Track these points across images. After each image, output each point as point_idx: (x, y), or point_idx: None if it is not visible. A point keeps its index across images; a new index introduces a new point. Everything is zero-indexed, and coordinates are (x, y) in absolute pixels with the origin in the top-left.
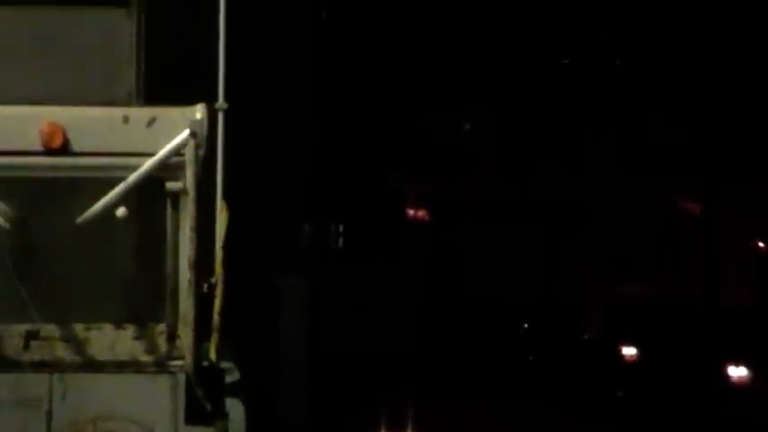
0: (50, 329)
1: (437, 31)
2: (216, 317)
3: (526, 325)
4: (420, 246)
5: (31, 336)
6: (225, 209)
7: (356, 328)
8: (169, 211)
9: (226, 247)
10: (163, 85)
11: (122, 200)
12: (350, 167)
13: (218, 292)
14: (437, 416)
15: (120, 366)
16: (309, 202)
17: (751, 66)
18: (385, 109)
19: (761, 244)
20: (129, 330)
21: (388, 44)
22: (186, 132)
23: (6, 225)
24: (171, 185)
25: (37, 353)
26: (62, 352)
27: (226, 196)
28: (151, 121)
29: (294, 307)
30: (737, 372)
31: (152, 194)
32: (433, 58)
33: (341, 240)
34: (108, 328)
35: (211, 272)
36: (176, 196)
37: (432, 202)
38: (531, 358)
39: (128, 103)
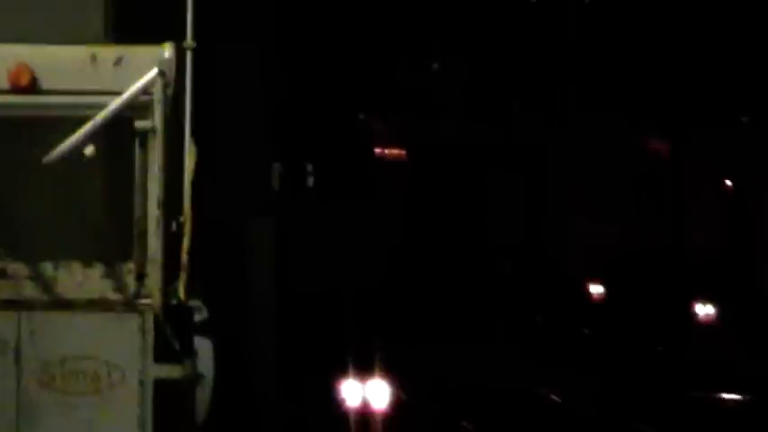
0: (18, 267)
1: None
2: (184, 256)
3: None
4: (391, 186)
5: None
6: (193, 148)
7: (325, 268)
8: (137, 149)
9: (194, 187)
10: (131, 24)
11: (90, 139)
12: (320, 108)
13: (187, 231)
14: (406, 359)
15: (89, 305)
16: (279, 143)
17: (727, 12)
18: (356, 50)
19: (728, 183)
20: (98, 269)
21: None
22: (155, 71)
23: None
24: (139, 124)
25: (4, 292)
26: (30, 290)
27: (194, 136)
28: (119, 60)
29: (262, 246)
30: (705, 310)
31: (120, 133)
32: (403, 2)
33: (311, 180)
34: (76, 266)
35: (180, 211)
36: (144, 135)
37: (403, 143)
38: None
39: (96, 42)
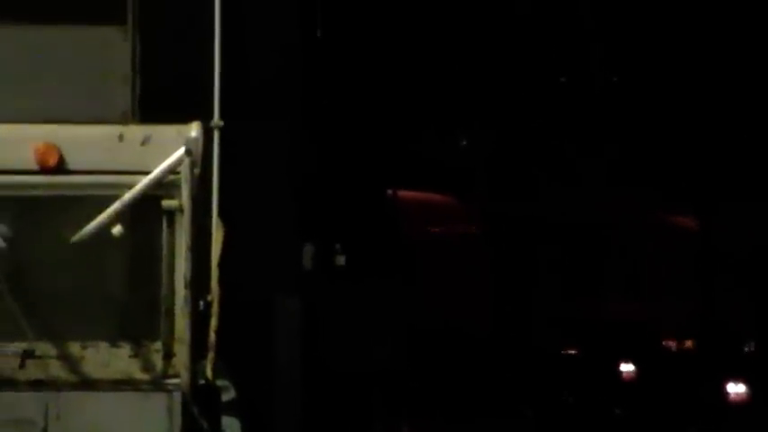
0: (46, 348)
1: (433, 47)
2: (212, 335)
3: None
4: (416, 263)
5: (26, 355)
6: (220, 227)
7: (354, 347)
8: (165, 228)
9: (221, 266)
10: (158, 103)
11: (118, 218)
12: (347, 185)
13: (214, 310)
14: None
15: (116, 385)
16: (309, 222)
17: (752, 84)
18: (381, 127)
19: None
20: (125, 348)
21: (384, 61)
22: (182, 150)
23: (2, 244)
24: (167, 203)
25: (32, 372)
26: (57, 371)
27: (221, 214)
28: (146, 139)
29: (289, 326)
30: (736, 389)
31: (148, 212)
32: (429, 76)
33: (341, 259)
34: (103, 346)
35: (207, 290)
36: (172, 214)
37: (433, 219)
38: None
39: (123, 122)
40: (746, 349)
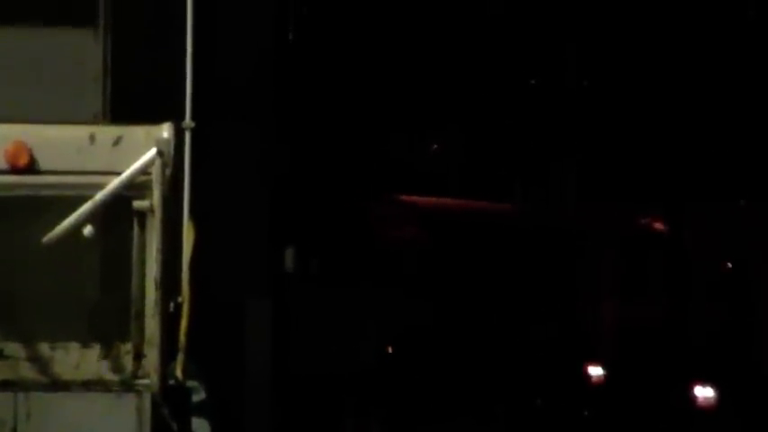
0: (15, 348)
1: (405, 51)
2: (182, 336)
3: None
4: (393, 268)
5: None
6: (192, 228)
7: (325, 350)
8: (135, 229)
9: (192, 267)
10: (129, 104)
11: (89, 219)
12: (320, 190)
13: (185, 311)
14: None
15: (86, 386)
16: (287, 225)
17: (721, 83)
18: (353, 131)
19: (729, 265)
20: (95, 350)
21: (356, 65)
22: (153, 151)
23: None
24: (137, 204)
25: (2, 372)
26: (27, 371)
27: (193, 216)
28: (117, 140)
29: (260, 328)
30: (704, 393)
31: (119, 213)
32: (401, 79)
33: (314, 264)
34: (73, 347)
35: (178, 291)
36: (143, 215)
37: (404, 224)
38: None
39: (94, 122)
40: (715, 353)
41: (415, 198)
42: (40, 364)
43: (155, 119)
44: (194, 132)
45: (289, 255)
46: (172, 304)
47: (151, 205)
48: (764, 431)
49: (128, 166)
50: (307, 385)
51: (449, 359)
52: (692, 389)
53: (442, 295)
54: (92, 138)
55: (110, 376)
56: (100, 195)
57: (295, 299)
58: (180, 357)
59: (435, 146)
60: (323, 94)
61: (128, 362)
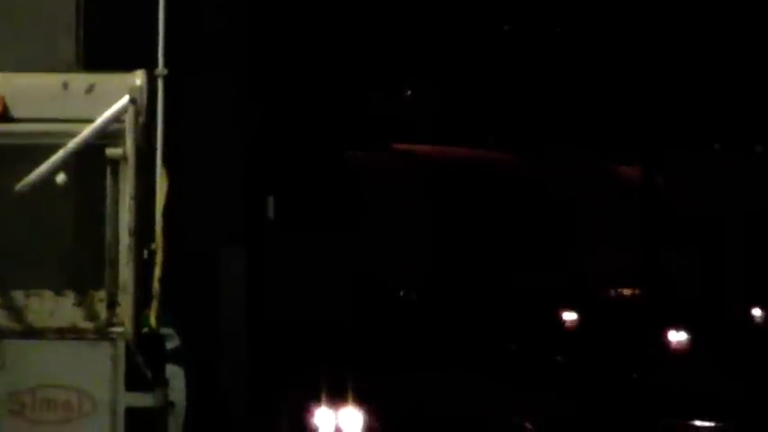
0: None
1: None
2: (156, 284)
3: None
4: (364, 214)
5: None
6: (165, 176)
7: (301, 297)
8: (109, 178)
9: (166, 215)
10: (102, 52)
11: (62, 167)
12: (294, 138)
13: (158, 259)
14: (379, 386)
15: (60, 333)
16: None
17: (698, 31)
18: (328, 79)
19: (702, 212)
20: (69, 297)
21: (328, 13)
22: (126, 99)
23: None
24: (111, 152)
25: None
26: (1, 319)
27: (166, 164)
28: (90, 88)
29: (234, 275)
30: (677, 336)
31: (92, 161)
32: (375, 27)
33: (283, 210)
34: (48, 295)
35: (151, 239)
36: (116, 163)
37: (375, 172)
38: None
39: (67, 70)
40: (688, 297)
41: (411, 146)
42: (14, 311)
43: (128, 67)
44: (168, 81)
45: (270, 203)
46: (145, 252)
47: (124, 153)
48: (736, 373)
49: (101, 114)
50: (282, 332)
51: (421, 309)
52: (666, 333)
53: (417, 245)
54: (65, 85)
55: (84, 324)
56: (72, 143)
57: (271, 246)
58: (154, 305)
59: (409, 92)
60: (297, 42)
61: (102, 310)
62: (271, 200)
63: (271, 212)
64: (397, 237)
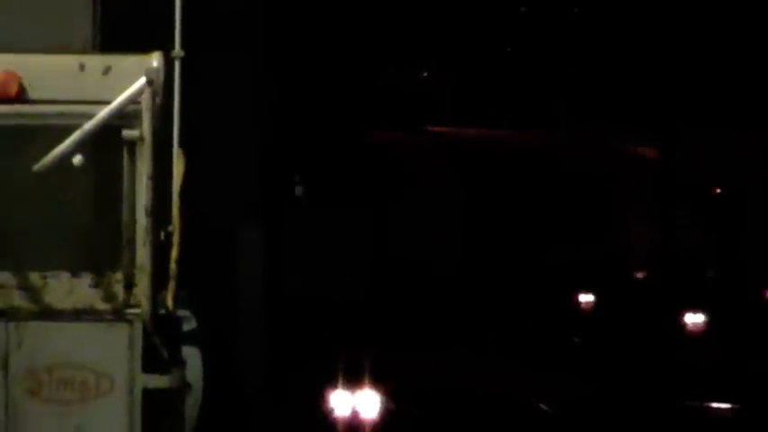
0: (6, 277)
1: None
2: (173, 265)
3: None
4: (382, 194)
5: None
6: (182, 157)
7: (317, 276)
8: (125, 158)
9: (183, 196)
10: (119, 33)
11: (78, 148)
12: (312, 118)
13: (176, 240)
14: (396, 367)
15: (77, 314)
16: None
17: (713, 8)
18: (344, 60)
19: (718, 190)
20: (86, 278)
21: None
22: (143, 80)
23: None
24: (127, 133)
25: None
26: (18, 300)
27: (183, 144)
28: (107, 69)
29: (252, 254)
30: (694, 318)
31: (108, 142)
32: (392, 9)
33: (299, 189)
34: (64, 276)
35: (168, 220)
36: (133, 144)
37: (394, 151)
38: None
39: (84, 51)
40: (705, 279)
41: (444, 128)
42: (32, 293)
43: (144, 47)
44: (184, 61)
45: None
46: (162, 233)
47: (141, 134)
48: (751, 355)
49: (117, 96)
50: (299, 310)
51: (441, 289)
52: (683, 315)
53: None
54: (81, 67)
55: (101, 305)
56: (89, 124)
57: (289, 224)
58: (171, 286)
59: (425, 74)
60: (314, 23)
61: (119, 290)
62: (297, 178)
63: (299, 191)
64: (430, 216)
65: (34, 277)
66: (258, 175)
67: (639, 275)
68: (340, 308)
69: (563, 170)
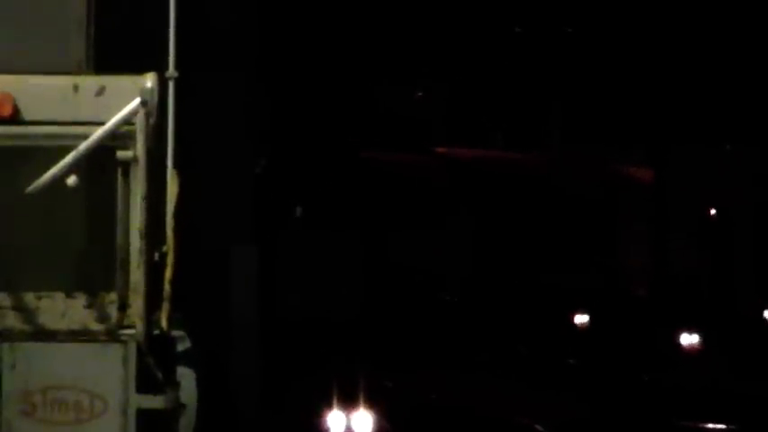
0: (1, 298)
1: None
2: (167, 286)
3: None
4: (375, 215)
5: None
6: (176, 178)
7: (312, 297)
8: (120, 179)
9: (177, 216)
10: (113, 54)
11: (73, 169)
12: (307, 138)
13: (170, 260)
14: (391, 388)
15: (71, 335)
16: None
17: (703, 29)
18: (337, 80)
19: (712, 211)
20: (80, 299)
21: (340, 15)
22: (137, 101)
23: None
24: (121, 154)
25: None
26: (12, 321)
27: (177, 165)
28: (101, 90)
29: (245, 275)
30: (689, 338)
31: (102, 163)
32: (385, 29)
33: (299, 210)
34: (59, 296)
35: (162, 241)
36: (127, 165)
37: (386, 171)
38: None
39: (78, 72)
40: (700, 298)
41: (448, 149)
42: (26, 313)
43: (139, 68)
44: (178, 82)
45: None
46: (156, 254)
47: (135, 155)
48: (748, 374)
49: (112, 116)
50: (293, 331)
51: (433, 310)
52: (678, 334)
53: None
54: (75, 88)
55: (95, 326)
56: (84, 145)
57: (283, 245)
58: (165, 306)
59: (420, 93)
60: (307, 43)
61: (113, 311)
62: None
63: (298, 212)
64: (437, 238)
65: (28, 298)
66: (253, 195)
67: (635, 295)
68: (335, 328)
69: (557, 191)
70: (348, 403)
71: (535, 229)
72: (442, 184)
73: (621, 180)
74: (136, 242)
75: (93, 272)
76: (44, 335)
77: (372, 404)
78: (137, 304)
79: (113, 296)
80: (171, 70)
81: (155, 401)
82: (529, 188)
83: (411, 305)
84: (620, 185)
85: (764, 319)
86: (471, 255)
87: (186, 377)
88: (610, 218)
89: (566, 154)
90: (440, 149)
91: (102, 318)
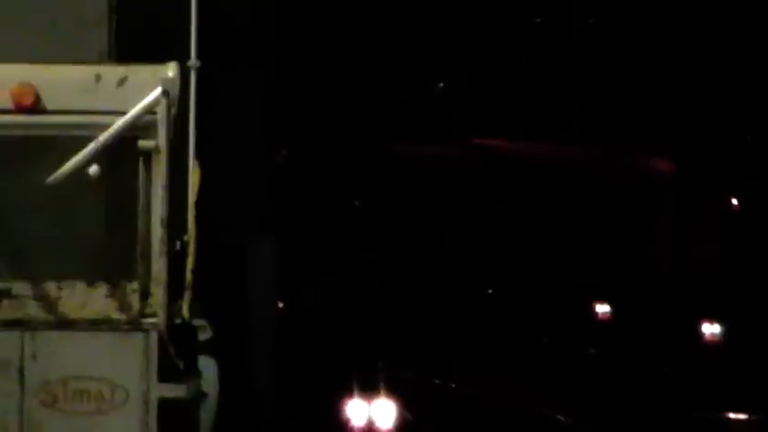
0: (22, 288)
1: None
2: (188, 275)
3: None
4: (397, 209)
5: (2, 294)
6: (197, 167)
7: (331, 289)
8: (141, 169)
9: (198, 206)
10: (134, 44)
11: (94, 158)
12: (325, 132)
13: (191, 250)
14: (411, 378)
15: (93, 325)
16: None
17: (724, 25)
18: (357, 74)
19: (734, 202)
20: (102, 289)
21: (359, 9)
22: (158, 91)
23: None
24: (143, 144)
25: (8, 311)
26: (34, 310)
27: (198, 155)
28: (123, 80)
29: (264, 266)
30: (711, 329)
31: (124, 153)
32: (404, 21)
33: (318, 203)
34: (80, 286)
35: (184, 230)
36: (148, 155)
37: (407, 165)
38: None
39: (99, 62)
40: (720, 290)
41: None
42: (47, 303)
43: (160, 58)
44: (199, 72)
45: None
46: (177, 243)
47: (156, 145)
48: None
49: (133, 106)
50: (312, 324)
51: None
52: (700, 326)
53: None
54: (97, 77)
55: (116, 315)
56: (105, 135)
57: (301, 239)
58: (186, 296)
59: (441, 84)
60: (327, 35)
61: (134, 301)
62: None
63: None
64: (468, 232)
65: (50, 287)
66: (271, 189)
67: (656, 287)
68: (355, 321)
69: (580, 183)
70: (369, 392)
71: (565, 222)
72: (477, 176)
73: (648, 174)
74: (157, 231)
75: (115, 261)
76: (65, 324)
77: (393, 393)
78: (158, 293)
79: (135, 285)
80: (193, 60)
81: (176, 391)
82: (559, 181)
83: (442, 298)
84: (648, 179)
85: None
86: (504, 247)
87: (208, 366)
88: (638, 211)
89: (588, 146)
90: (477, 140)
91: (124, 307)
